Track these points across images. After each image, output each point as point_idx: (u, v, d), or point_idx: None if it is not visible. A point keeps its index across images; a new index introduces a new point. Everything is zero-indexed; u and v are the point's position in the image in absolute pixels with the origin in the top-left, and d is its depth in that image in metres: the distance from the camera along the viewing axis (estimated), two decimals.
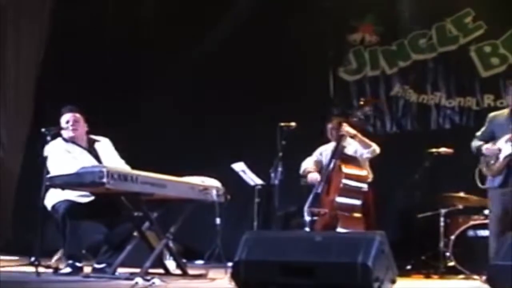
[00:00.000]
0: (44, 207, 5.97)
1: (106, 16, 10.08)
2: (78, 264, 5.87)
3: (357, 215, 6.70)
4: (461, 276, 7.13)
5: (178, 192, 5.90)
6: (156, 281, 5.19)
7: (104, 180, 5.33)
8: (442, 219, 7.54)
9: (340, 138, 6.94)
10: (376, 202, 7.01)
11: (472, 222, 7.38)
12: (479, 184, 6.34)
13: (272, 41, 9.22)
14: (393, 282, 4.42)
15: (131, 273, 5.56)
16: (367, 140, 6.95)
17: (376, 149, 6.94)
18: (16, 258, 7.15)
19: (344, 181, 6.69)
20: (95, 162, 5.99)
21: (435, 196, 7.69)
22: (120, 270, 5.87)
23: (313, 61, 9.11)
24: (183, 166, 6.47)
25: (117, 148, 6.36)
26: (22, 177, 9.82)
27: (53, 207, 5.95)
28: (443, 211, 7.56)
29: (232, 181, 7.33)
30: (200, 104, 9.52)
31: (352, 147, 6.99)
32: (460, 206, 7.65)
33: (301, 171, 7.32)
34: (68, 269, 5.85)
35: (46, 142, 5.96)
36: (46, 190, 5.87)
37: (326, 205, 6.73)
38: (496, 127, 6.22)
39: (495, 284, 4.78)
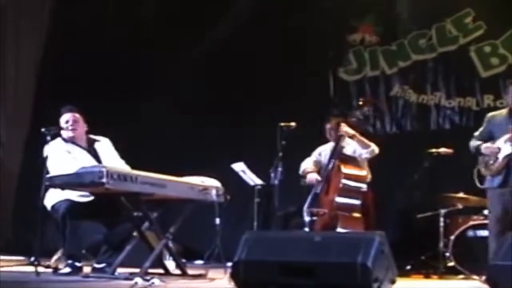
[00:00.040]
0: (44, 207, 5.97)
1: (106, 16, 10.08)
2: (77, 264, 5.88)
3: (356, 215, 6.70)
4: (461, 276, 7.12)
5: (178, 192, 5.90)
6: (156, 281, 5.19)
7: (104, 180, 5.33)
8: (441, 219, 7.53)
9: (339, 139, 6.94)
10: (376, 202, 7.01)
11: (471, 222, 7.37)
12: (478, 184, 6.34)
13: (272, 41, 9.22)
14: (393, 282, 4.42)
15: (131, 273, 5.56)
16: (366, 140, 6.95)
17: (375, 149, 6.94)
18: (16, 258, 7.15)
19: (344, 181, 6.70)
20: (94, 162, 5.98)
21: (435, 196, 7.68)
22: (120, 270, 5.87)
23: (313, 61, 9.11)
24: (183, 166, 6.47)
25: (117, 148, 6.36)
26: (22, 177, 9.82)
27: (53, 207, 5.95)
28: (442, 211, 7.56)
29: (232, 181, 7.33)
30: (200, 104, 9.52)
31: (351, 147, 6.99)
32: (460, 206, 7.64)
33: (300, 171, 7.33)
34: (68, 269, 5.85)
35: (46, 142, 5.96)
36: (46, 190, 5.87)
37: (326, 205, 6.74)
38: (495, 127, 6.21)
39: (494, 284, 4.78)
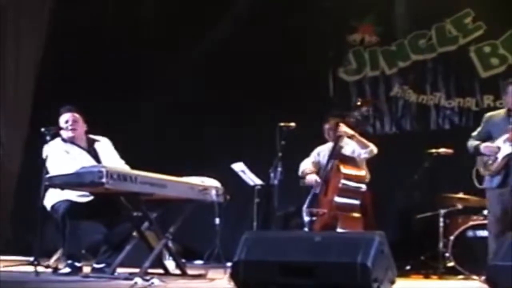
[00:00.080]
0: (44, 207, 5.97)
1: (106, 16, 10.07)
2: (77, 264, 5.87)
3: (356, 215, 6.70)
4: (460, 276, 7.13)
5: (178, 192, 5.90)
6: (155, 281, 5.19)
7: (104, 180, 5.33)
8: (441, 219, 7.53)
9: (337, 139, 6.94)
10: (374, 202, 7.01)
11: (471, 223, 7.38)
12: (477, 184, 6.34)
13: (272, 41, 9.22)
14: (393, 282, 4.42)
15: (130, 273, 5.55)
16: (365, 140, 6.94)
17: (374, 149, 6.93)
18: (16, 258, 7.15)
19: (343, 181, 6.69)
20: (94, 162, 5.98)
21: (435, 196, 7.69)
22: (119, 270, 5.87)
23: (313, 61, 9.11)
24: (182, 166, 6.48)
25: (117, 148, 6.36)
26: (21, 177, 9.82)
27: (53, 207, 5.95)
28: (442, 211, 7.56)
29: (231, 181, 7.33)
30: (200, 104, 9.52)
31: (349, 147, 6.99)
32: (460, 207, 7.65)
33: (299, 172, 7.31)
34: (68, 269, 5.84)
35: (46, 142, 5.95)
36: (46, 190, 5.87)
37: (325, 205, 6.73)
38: (493, 127, 6.21)
39: (494, 285, 4.78)
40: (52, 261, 6.45)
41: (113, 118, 8.81)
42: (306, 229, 6.68)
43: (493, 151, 6.10)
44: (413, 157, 7.84)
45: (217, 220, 6.56)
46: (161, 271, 6.05)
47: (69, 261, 5.87)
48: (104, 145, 6.28)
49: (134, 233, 6.04)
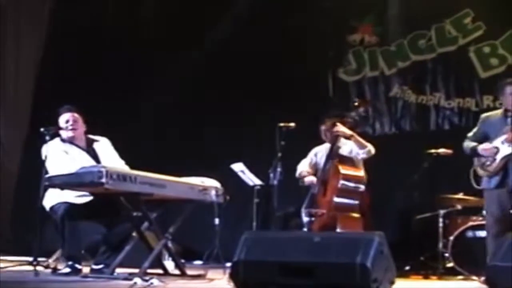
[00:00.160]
0: (43, 207, 5.97)
1: (106, 16, 10.08)
2: (78, 266, 5.87)
3: (355, 215, 6.69)
4: (460, 277, 7.13)
5: (177, 192, 5.90)
6: (155, 281, 5.19)
7: (103, 180, 5.33)
8: (441, 219, 7.54)
9: (335, 139, 6.93)
10: (373, 203, 7.01)
11: (471, 223, 7.38)
12: (474, 185, 6.34)
13: (272, 41, 9.22)
14: (392, 283, 4.42)
15: (130, 273, 5.56)
16: (362, 141, 6.93)
17: (371, 149, 6.92)
18: (15, 258, 7.15)
19: (342, 181, 6.69)
20: (93, 163, 5.97)
21: (434, 197, 7.69)
22: (119, 270, 5.87)
23: (313, 61, 9.11)
24: (182, 166, 6.47)
25: (117, 148, 6.36)
26: (21, 177, 9.82)
27: (52, 208, 5.95)
28: (442, 212, 7.56)
29: (231, 182, 7.34)
30: (200, 104, 9.52)
31: (347, 147, 6.98)
32: (459, 207, 7.65)
33: (296, 174, 7.29)
34: (68, 269, 5.85)
35: (45, 142, 5.95)
36: (45, 190, 5.86)
37: (323, 205, 6.73)
38: (489, 127, 6.20)
39: (493, 285, 4.79)
40: (50, 261, 6.45)
41: (113, 118, 8.81)
42: (305, 229, 6.67)
43: (491, 153, 6.08)
44: (412, 157, 7.84)
45: (217, 220, 6.56)
46: (160, 271, 6.06)
47: (70, 263, 5.87)
48: (103, 145, 6.28)
49: (134, 233, 6.04)
